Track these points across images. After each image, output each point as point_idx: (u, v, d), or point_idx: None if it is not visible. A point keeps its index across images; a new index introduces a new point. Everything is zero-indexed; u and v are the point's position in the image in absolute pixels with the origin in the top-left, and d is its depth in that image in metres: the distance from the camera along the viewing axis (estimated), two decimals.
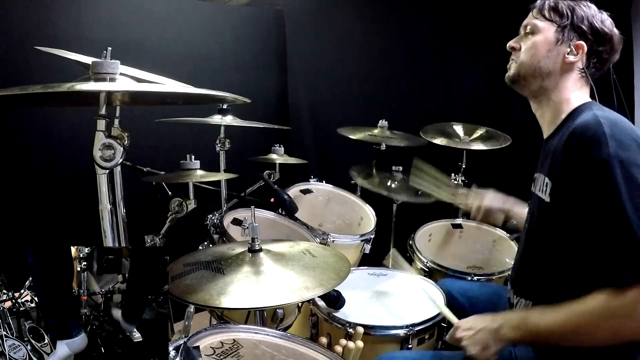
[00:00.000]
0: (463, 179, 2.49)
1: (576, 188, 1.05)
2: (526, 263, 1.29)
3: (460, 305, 1.57)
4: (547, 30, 1.23)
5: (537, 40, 1.24)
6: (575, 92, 1.23)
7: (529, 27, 1.27)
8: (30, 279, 0.96)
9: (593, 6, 1.22)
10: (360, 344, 1.30)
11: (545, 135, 1.31)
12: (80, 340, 0.97)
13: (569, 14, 1.20)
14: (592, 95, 1.24)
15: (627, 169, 0.97)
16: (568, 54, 1.21)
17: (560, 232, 1.11)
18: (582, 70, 1.22)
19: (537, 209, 1.23)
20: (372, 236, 2.18)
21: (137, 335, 0.99)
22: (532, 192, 1.32)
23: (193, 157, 1.72)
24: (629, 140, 1.01)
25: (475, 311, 1.53)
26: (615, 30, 1.22)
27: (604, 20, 1.21)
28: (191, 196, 1.70)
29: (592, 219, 1.01)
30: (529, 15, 1.29)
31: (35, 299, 0.96)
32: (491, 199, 1.71)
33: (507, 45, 1.32)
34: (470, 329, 1.17)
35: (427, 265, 1.97)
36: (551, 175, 1.15)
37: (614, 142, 1.00)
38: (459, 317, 1.54)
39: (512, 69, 1.30)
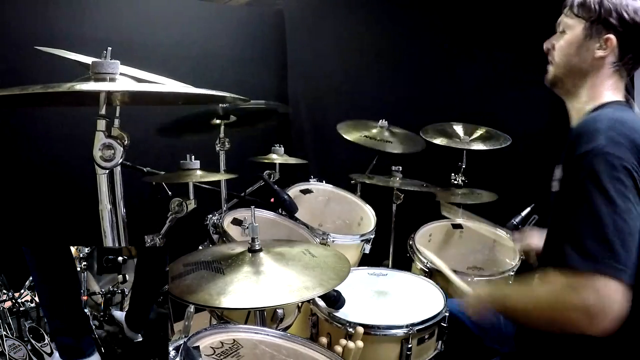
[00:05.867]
0: (463, 179, 2.49)
1: (567, 179, 1.07)
2: (543, 249, 1.32)
3: (462, 323, 1.57)
4: (576, 27, 1.21)
5: (567, 39, 1.23)
6: (609, 89, 1.20)
7: (560, 25, 1.26)
8: (31, 278, 0.96)
9: None
10: (360, 344, 1.30)
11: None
12: None
13: (597, 8, 1.17)
14: (628, 92, 1.22)
15: (611, 163, 0.97)
16: (598, 49, 1.18)
17: (557, 219, 1.13)
18: (615, 65, 1.18)
19: (554, 198, 1.23)
20: (372, 236, 2.18)
21: (137, 335, 1.00)
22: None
23: (193, 157, 1.72)
24: (622, 139, 1.00)
25: (478, 328, 1.54)
26: None
27: (633, 10, 1.16)
28: (191, 196, 1.70)
29: (571, 199, 1.02)
30: (562, 13, 1.27)
31: (36, 299, 0.96)
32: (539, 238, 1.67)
33: (544, 46, 1.30)
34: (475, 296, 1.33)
35: (427, 265, 1.97)
36: (562, 167, 1.16)
37: (604, 137, 1.00)
38: (462, 334, 1.55)
39: (549, 71, 1.29)
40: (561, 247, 0.99)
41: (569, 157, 1.07)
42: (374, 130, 2.54)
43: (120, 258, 1.01)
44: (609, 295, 0.92)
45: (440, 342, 1.53)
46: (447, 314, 1.51)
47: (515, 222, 1.97)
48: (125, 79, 1.06)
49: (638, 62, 1.20)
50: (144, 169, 1.99)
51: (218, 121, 2.09)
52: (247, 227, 1.28)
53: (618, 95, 1.21)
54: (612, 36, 1.16)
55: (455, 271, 1.93)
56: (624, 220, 0.94)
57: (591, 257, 0.94)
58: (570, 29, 1.22)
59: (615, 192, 0.95)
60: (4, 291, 0.95)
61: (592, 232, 0.95)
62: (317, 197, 2.45)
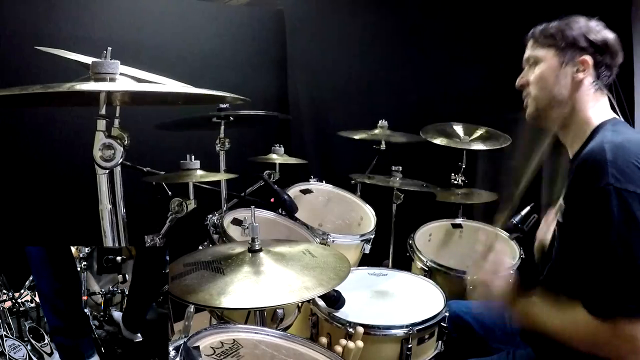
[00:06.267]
0: (463, 179, 2.49)
1: (578, 214, 1.07)
2: (547, 277, 1.31)
3: (467, 323, 1.57)
4: (548, 57, 1.22)
5: (542, 70, 1.23)
6: (594, 109, 1.21)
7: (530, 59, 1.27)
8: (31, 278, 0.96)
9: (581, 18, 1.22)
10: (360, 344, 1.30)
11: (570, 157, 1.29)
12: None
13: (562, 34, 1.20)
14: (611, 105, 1.23)
15: (624, 200, 0.98)
16: (576, 72, 1.19)
17: (569, 252, 1.14)
18: (594, 84, 1.20)
19: (557, 229, 1.25)
20: (372, 236, 2.18)
21: (137, 335, 0.99)
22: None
23: (193, 157, 1.72)
24: (630, 168, 1.01)
25: (483, 328, 1.54)
26: (609, 34, 1.20)
27: (596, 30, 1.20)
28: (191, 196, 1.70)
29: (586, 244, 1.04)
30: (527, 49, 1.29)
31: (36, 299, 0.96)
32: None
33: (516, 84, 1.31)
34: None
35: (427, 264, 1.97)
36: (564, 199, 1.17)
37: (614, 170, 1.00)
38: (467, 335, 1.57)
39: (529, 106, 1.29)
40: (593, 292, 1.01)
41: (576, 191, 1.08)
42: (376, 131, 2.54)
43: (120, 258, 1.01)
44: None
45: (440, 342, 1.54)
46: (447, 314, 1.51)
47: (514, 222, 1.97)
48: (125, 79, 1.06)
49: (612, 73, 1.22)
50: (144, 169, 1.98)
51: (218, 120, 2.09)
52: (247, 227, 1.28)
53: (606, 112, 1.22)
54: (587, 57, 1.18)
55: (455, 270, 1.94)
56: None
57: (629, 304, 0.96)
58: (543, 60, 1.23)
59: (633, 232, 0.97)
60: (4, 291, 0.94)
61: (618, 279, 0.97)
62: (317, 197, 2.45)
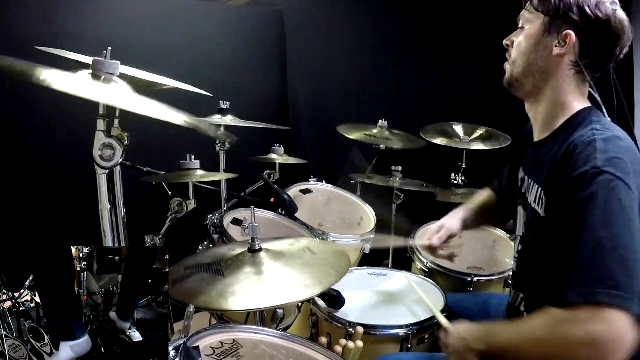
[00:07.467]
0: (463, 179, 2.49)
1: (561, 202, 1.00)
2: (522, 265, 1.27)
3: (453, 315, 1.57)
4: (535, 22, 1.13)
5: (525, 34, 1.15)
6: (573, 94, 1.13)
7: (520, 21, 1.19)
8: (31, 278, 0.96)
9: None
10: (360, 344, 1.30)
11: (536, 138, 1.23)
12: (84, 344, 0.96)
13: (557, 2, 1.09)
14: (591, 95, 1.15)
15: (608, 182, 0.92)
16: (556, 46, 1.10)
17: (554, 245, 1.04)
18: (574, 65, 1.10)
19: (532, 220, 1.17)
20: (372, 236, 2.18)
21: (137, 335, 0.99)
22: (524, 195, 1.24)
23: (193, 157, 1.72)
24: (619, 160, 0.95)
25: (468, 319, 1.54)
26: (618, 14, 1.07)
27: (598, 4, 1.06)
28: (191, 196, 1.70)
29: (563, 230, 0.97)
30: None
31: (36, 298, 0.96)
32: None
33: (503, 43, 1.24)
34: (457, 337, 1.13)
35: (427, 265, 1.97)
36: (546, 190, 1.09)
37: (602, 158, 0.95)
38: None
39: (507, 70, 1.22)
40: (563, 282, 0.92)
41: (562, 180, 1.00)
42: (375, 131, 2.55)
43: (119, 258, 1.01)
44: (618, 327, 0.85)
45: (440, 342, 1.53)
46: (446, 314, 1.51)
47: None
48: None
49: (604, 59, 1.12)
50: (144, 169, 1.98)
51: (218, 119, 2.09)
52: (247, 227, 1.28)
53: (585, 100, 1.14)
54: (571, 32, 1.08)
55: (455, 272, 1.94)
56: (627, 246, 0.89)
57: (594, 288, 0.87)
58: (529, 24, 1.15)
59: (618, 215, 0.90)
60: (4, 291, 0.94)
61: (593, 261, 0.89)
62: (317, 197, 2.45)
